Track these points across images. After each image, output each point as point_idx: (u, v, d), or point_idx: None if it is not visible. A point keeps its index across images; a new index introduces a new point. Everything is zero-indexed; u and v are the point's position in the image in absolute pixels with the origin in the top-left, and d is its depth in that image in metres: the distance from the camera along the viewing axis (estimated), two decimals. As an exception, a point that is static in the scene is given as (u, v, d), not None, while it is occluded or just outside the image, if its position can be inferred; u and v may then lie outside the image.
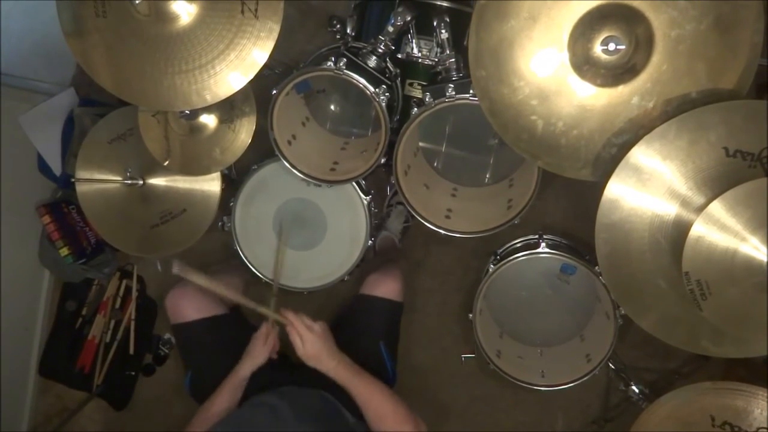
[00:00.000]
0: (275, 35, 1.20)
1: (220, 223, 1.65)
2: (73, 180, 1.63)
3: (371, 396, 1.37)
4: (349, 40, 1.59)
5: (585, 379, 1.60)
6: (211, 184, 1.59)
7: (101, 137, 1.64)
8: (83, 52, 1.25)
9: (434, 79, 1.49)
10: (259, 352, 1.46)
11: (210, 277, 1.38)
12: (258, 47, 1.21)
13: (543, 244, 1.56)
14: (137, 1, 1.18)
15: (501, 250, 1.73)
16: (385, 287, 1.61)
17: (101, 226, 1.68)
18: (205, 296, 1.60)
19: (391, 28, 1.38)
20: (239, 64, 1.23)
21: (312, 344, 1.35)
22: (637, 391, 1.69)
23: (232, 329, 1.63)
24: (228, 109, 1.50)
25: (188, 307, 1.59)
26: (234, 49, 1.22)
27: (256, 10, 1.19)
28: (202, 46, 1.22)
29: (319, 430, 1.31)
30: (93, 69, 1.26)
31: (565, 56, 1.08)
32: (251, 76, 1.24)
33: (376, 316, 1.61)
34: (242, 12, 1.19)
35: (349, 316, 1.68)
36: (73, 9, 1.23)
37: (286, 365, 1.57)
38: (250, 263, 1.67)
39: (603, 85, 1.09)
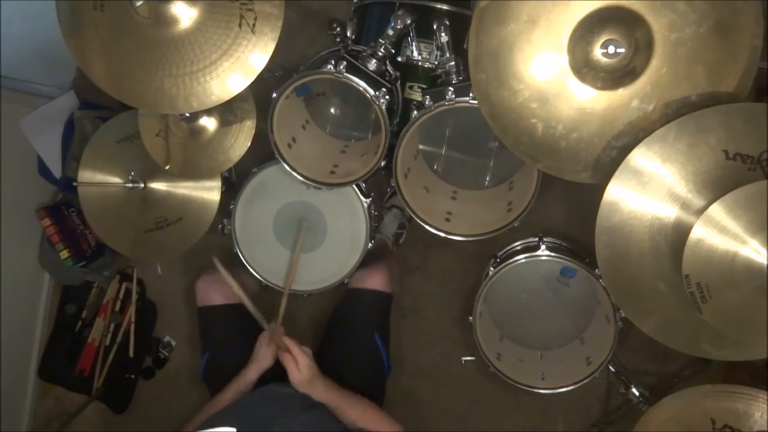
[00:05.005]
0: (270, 51, 1.20)
1: (220, 226, 1.65)
2: (75, 184, 1.63)
3: (363, 412, 1.39)
4: (349, 43, 1.59)
5: (585, 382, 1.59)
6: (210, 195, 1.60)
7: (109, 136, 1.66)
8: (77, 45, 1.25)
9: (434, 83, 1.48)
10: (263, 356, 1.46)
11: (237, 281, 1.39)
12: (250, 63, 1.21)
13: (543, 247, 1.56)
14: (138, 4, 1.18)
15: (501, 253, 1.73)
16: (372, 279, 1.60)
17: (97, 225, 1.69)
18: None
19: (391, 32, 1.39)
20: (228, 77, 1.22)
21: (308, 368, 1.37)
22: (637, 394, 1.68)
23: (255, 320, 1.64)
24: (228, 112, 1.50)
25: (220, 290, 1.62)
26: (227, 60, 1.21)
27: (253, 25, 1.19)
28: (195, 53, 1.22)
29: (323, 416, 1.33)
30: (85, 62, 1.26)
31: (564, 59, 1.08)
32: (238, 90, 1.23)
33: (368, 308, 1.62)
34: (240, 25, 1.19)
35: (342, 311, 1.68)
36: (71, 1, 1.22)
37: None
38: (249, 266, 1.67)
39: (603, 88, 1.09)
